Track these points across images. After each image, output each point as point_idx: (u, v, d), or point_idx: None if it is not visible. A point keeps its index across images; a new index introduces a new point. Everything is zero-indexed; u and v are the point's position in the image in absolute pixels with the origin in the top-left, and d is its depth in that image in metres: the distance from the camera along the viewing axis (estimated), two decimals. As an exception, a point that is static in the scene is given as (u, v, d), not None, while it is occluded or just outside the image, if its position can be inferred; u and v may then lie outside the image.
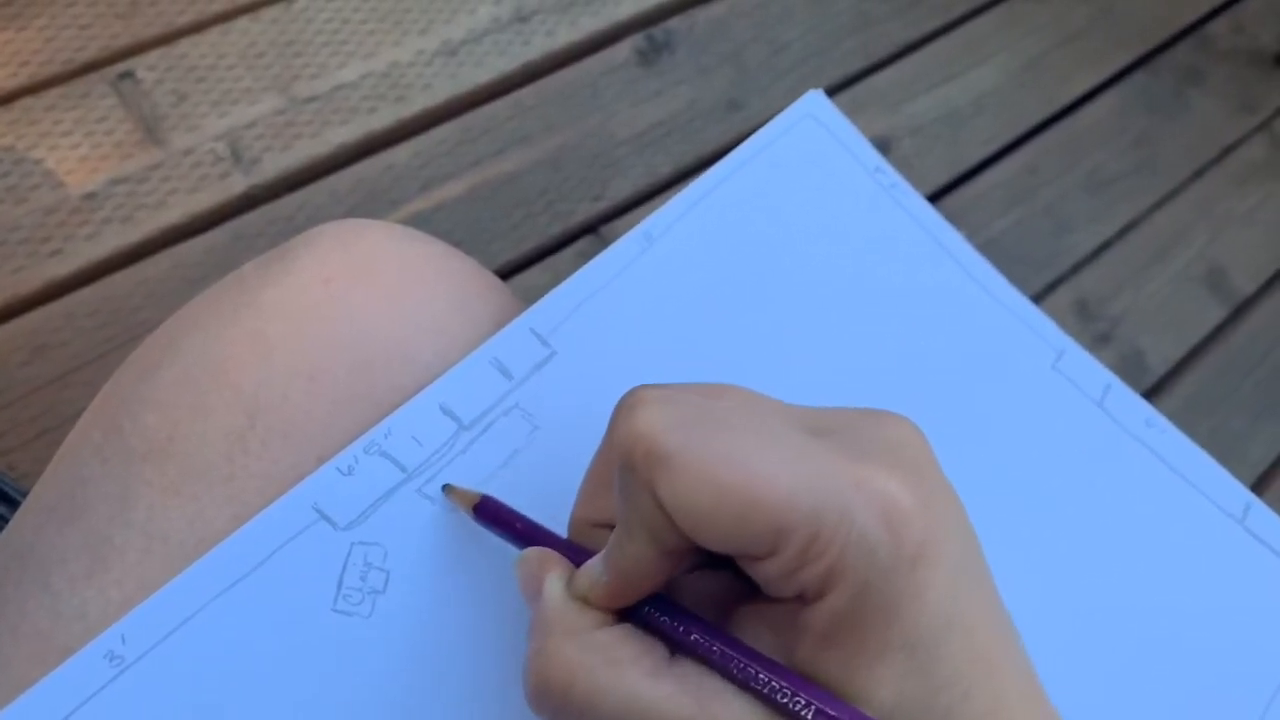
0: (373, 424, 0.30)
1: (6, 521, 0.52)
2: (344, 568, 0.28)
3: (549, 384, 0.32)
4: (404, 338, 0.32)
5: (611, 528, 0.25)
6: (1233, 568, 0.35)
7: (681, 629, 0.23)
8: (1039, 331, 0.37)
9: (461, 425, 0.30)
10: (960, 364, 0.36)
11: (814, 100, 0.37)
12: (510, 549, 0.27)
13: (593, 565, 0.24)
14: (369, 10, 1.04)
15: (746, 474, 0.22)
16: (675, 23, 1.14)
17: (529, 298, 0.32)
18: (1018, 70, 1.27)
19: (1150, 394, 1.14)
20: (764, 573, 0.23)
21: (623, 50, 1.11)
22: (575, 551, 0.26)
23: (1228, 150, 1.31)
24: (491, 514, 0.28)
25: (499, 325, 0.33)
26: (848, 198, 0.37)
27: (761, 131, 0.36)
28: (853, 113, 1.18)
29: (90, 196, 0.89)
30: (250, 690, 0.26)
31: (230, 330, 0.31)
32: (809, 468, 0.22)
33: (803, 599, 0.23)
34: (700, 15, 1.16)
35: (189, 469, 0.29)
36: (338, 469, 0.28)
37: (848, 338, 0.35)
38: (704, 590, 0.26)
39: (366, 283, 0.32)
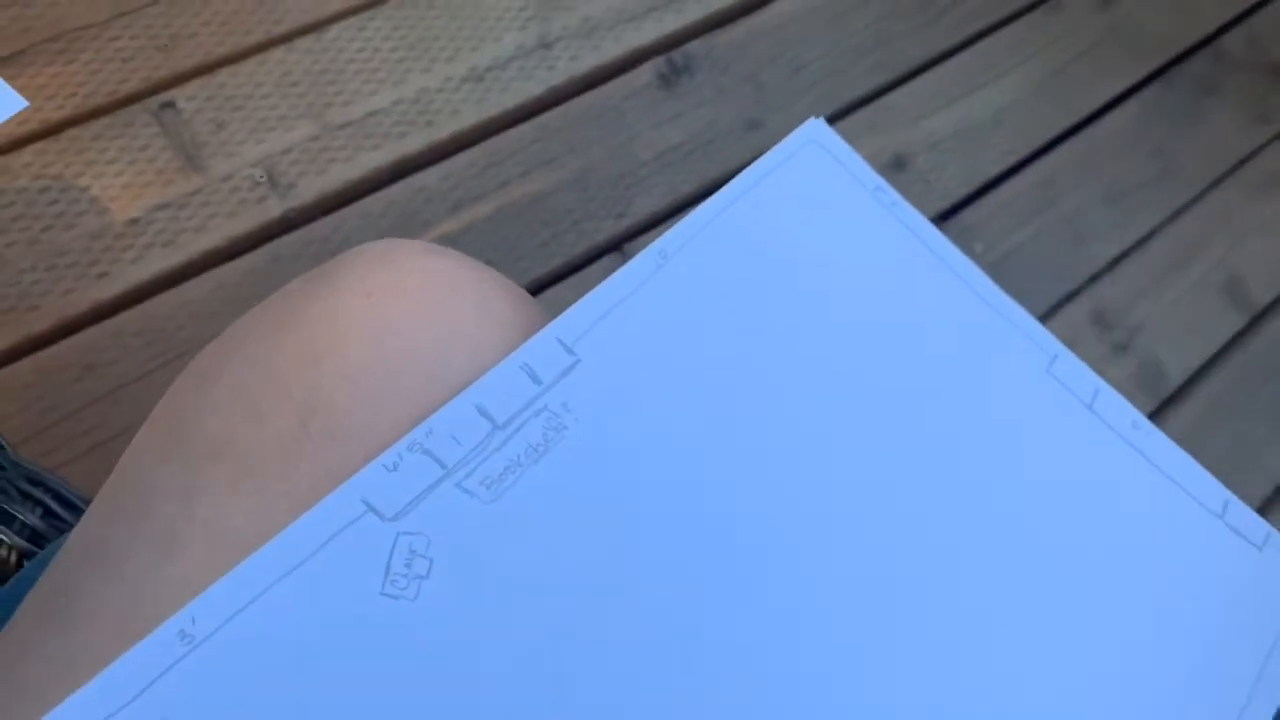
0: (412, 424, 0.32)
1: (70, 525, 0.55)
2: (390, 555, 0.30)
3: (574, 388, 0.34)
4: (438, 346, 0.34)
5: None
6: (1213, 559, 0.37)
7: None
8: (1034, 338, 0.39)
9: (496, 425, 0.32)
10: (960, 369, 0.38)
11: (815, 127, 0.39)
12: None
13: None
14: (398, 39, 1.07)
15: None
16: (694, 46, 1.17)
17: (558, 312, 0.35)
18: (1035, 84, 1.28)
19: (1169, 403, 1.14)
20: None
21: (644, 74, 1.14)
22: None
23: (1244, 160, 1.32)
24: None
25: (526, 334, 0.35)
26: (850, 216, 0.39)
27: (765, 157, 0.38)
28: (870, 130, 1.21)
29: (134, 222, 0.92)
30: (307, 665, 0.28)
31: (281, 341, 0.33)
32: None
33: None
34: (719, 39, 1.18)
35: (247, 469, 0.31)
36: (384, 465, 0.31)
37: (848, 344, 0.37)
38: None
39: (403, 296, 0.34)
